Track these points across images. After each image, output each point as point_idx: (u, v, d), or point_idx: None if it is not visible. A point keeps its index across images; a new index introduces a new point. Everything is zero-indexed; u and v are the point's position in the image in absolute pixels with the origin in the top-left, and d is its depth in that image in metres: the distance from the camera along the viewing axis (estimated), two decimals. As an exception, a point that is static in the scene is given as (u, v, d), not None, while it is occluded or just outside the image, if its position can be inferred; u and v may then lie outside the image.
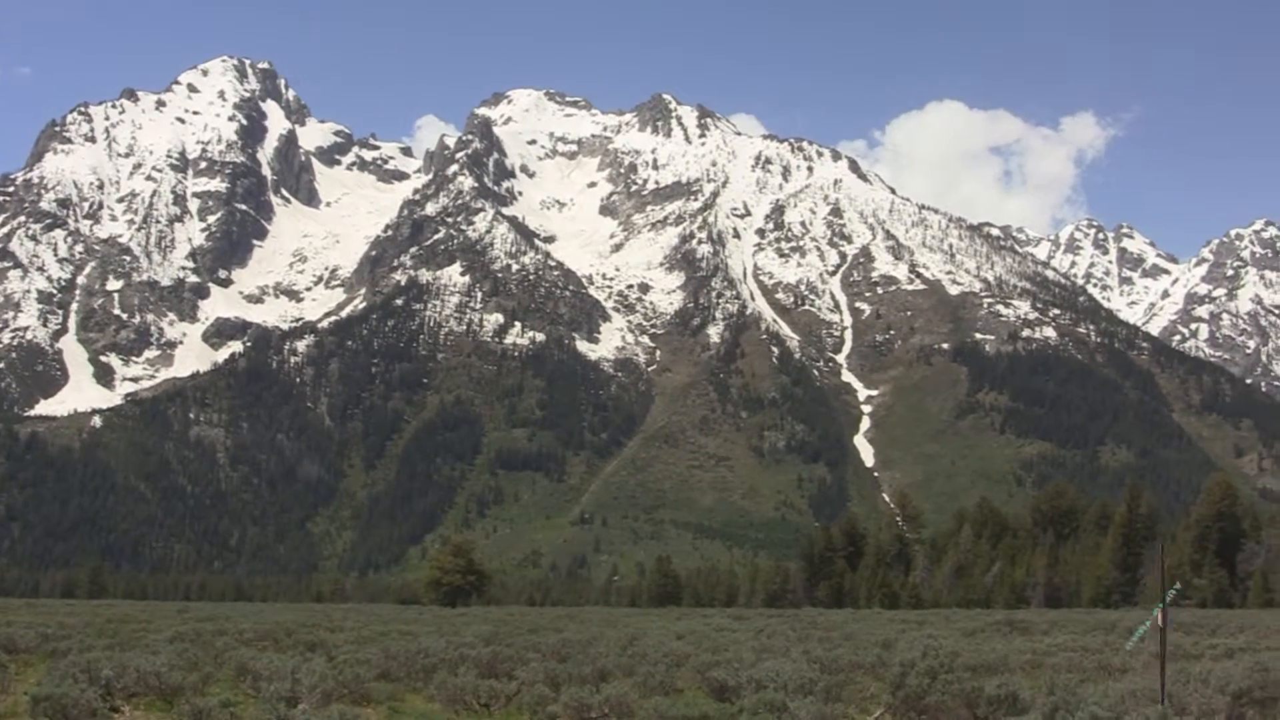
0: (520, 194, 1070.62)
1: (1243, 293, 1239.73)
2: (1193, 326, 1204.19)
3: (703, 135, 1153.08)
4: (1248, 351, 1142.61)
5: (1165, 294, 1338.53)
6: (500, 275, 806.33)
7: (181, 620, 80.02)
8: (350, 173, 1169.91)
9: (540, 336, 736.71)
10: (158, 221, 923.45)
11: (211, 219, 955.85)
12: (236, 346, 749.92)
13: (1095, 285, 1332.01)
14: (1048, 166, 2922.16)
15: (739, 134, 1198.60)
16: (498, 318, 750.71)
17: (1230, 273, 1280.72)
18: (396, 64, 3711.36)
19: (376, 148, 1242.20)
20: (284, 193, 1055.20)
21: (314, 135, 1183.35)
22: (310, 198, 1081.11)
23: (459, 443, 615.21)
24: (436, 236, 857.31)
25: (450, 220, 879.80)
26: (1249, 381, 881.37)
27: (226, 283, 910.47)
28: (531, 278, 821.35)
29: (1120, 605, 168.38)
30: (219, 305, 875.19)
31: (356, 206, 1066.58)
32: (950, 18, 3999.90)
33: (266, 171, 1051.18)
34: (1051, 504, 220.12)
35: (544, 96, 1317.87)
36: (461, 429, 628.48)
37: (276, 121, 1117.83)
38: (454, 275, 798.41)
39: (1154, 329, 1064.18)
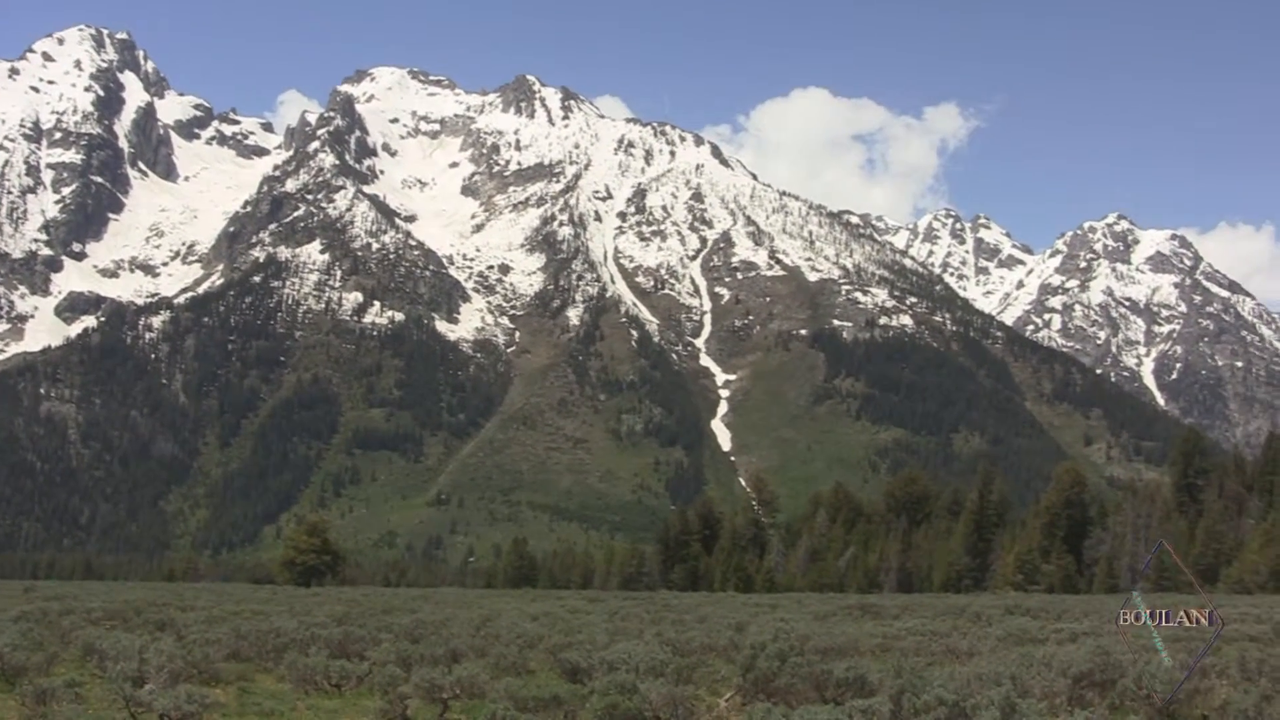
0: (382, 172, 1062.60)
1: (1095, 284, 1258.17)
2: (1046, 317, 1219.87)
3: (566, 117, 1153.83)
4: (1098, 342, 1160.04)
5: (1020, 284, 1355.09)
6: (360, 254, 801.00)
7: (27, 599, 78.82)
8: (210, 147, 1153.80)
9: (399, 316, 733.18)
10: (9, 192, 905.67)
11: (66, 191, 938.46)
12: (90, 321, 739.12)
13: (952, 274, 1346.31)
14: (910, 155, 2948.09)
15: (602, 117, 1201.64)
16: (357, 296, 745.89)
17: (1083, 265, 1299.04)
18: (259, 38, 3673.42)
19: (237, 122, 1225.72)
20: (141, 166, 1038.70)
21: (173, 108, 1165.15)
22: (168, 172, 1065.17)
23: (316, 422, 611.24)
24: (296, 214, 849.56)
25: (310, 197, 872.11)
26: (1099, 372, 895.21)
27: (80, 256, 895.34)
28: (391, 257, 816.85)
29: (971, 590, 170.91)
30: (72, 279, 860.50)
31: (215, 181, 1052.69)
32: (816, 5, 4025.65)
33: (123, 144, 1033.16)
34: (905, 490, 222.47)
35: (407, 75, 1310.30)
36: (318, 408, 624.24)
37: (134, 93, 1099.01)
38: (313, 253, 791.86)
39: (1008, 319, 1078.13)
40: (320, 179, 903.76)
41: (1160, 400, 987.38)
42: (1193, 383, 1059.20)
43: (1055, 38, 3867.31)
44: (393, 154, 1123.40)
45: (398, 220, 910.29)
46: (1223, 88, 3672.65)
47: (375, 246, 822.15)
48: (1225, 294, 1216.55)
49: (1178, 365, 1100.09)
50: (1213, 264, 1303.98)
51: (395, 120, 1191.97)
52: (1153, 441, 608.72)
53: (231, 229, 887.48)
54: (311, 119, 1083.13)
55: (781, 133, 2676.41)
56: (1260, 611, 67.89)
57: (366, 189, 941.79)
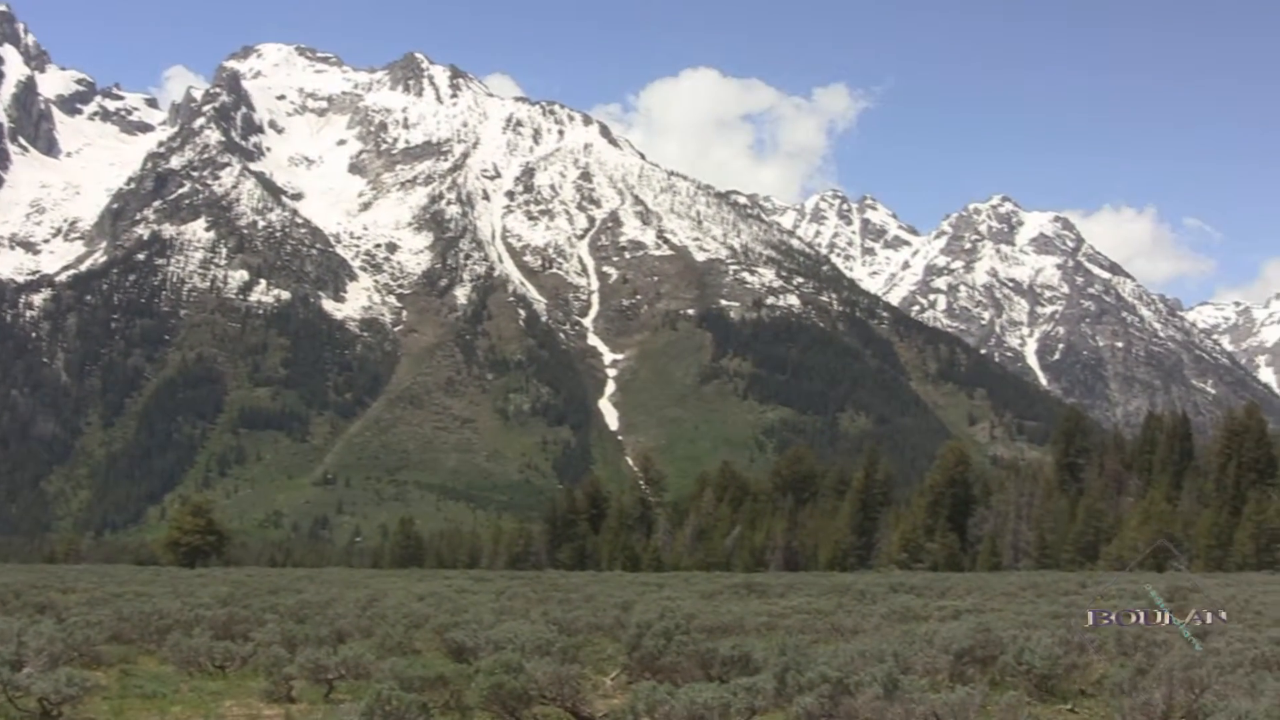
0: (268, 150, 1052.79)
1: (979, 265, 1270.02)
2: (931, 297, 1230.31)
3: (454, 95, 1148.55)
4: (982, 323, 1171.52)
5: (906, 265, 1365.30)
6: (246, 231, 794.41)
7: (-96, 580, 77.55)
8: (92, 123, 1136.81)
9: (285, 294, 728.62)
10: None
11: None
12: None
13: (839, 255, 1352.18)
14: (799, 136, 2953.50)
15: (491, 95, 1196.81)
16: (243, 274, 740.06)
17: (968, 246, 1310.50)
18: (144, 12, 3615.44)
19: (121, 98, 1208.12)
20: (21, 141, 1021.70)
21: (54, 83, 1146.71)
22: (50, 147, 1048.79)
23: (201, 401, 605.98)
24: (181, 190, 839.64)
25: (196, 174, 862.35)
26: (983, 352, 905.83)
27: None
28: (278, 235, 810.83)
29: (856, 568, 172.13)
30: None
31: (98, 158, 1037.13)
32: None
33: (3, 118, 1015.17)
34: (791, 469, 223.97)
35: (294, 51, 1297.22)
36: (203, 387, 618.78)
37: (14, 67, 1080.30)
38: (198, 230, 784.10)
39: (894, 299, 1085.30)
40: (206, 156, 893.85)
41: (1043, 380, 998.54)
42: (1074, 363, 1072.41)
43: (945, 20, 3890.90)
44: (279, 131, 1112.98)
45: (284, 198, 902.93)
46: (1109, 74, 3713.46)
47: (261, 224, 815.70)
48: (1106, 275, 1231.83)
49: (1060, 346, 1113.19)
50: (1095, 246, 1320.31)
51: (282, 97, 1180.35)
52: (1035, 421, 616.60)
53: (115, 206, 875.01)
54: (197, 95, 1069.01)
55: (671, 112, 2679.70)
56: (1137, 589, 68.97)
57: (253, 166, 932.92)
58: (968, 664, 30.79)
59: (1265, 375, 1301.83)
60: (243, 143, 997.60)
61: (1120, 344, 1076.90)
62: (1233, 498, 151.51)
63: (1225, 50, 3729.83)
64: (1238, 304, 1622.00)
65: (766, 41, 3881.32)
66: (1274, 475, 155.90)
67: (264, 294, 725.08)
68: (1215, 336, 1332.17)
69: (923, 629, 36.92)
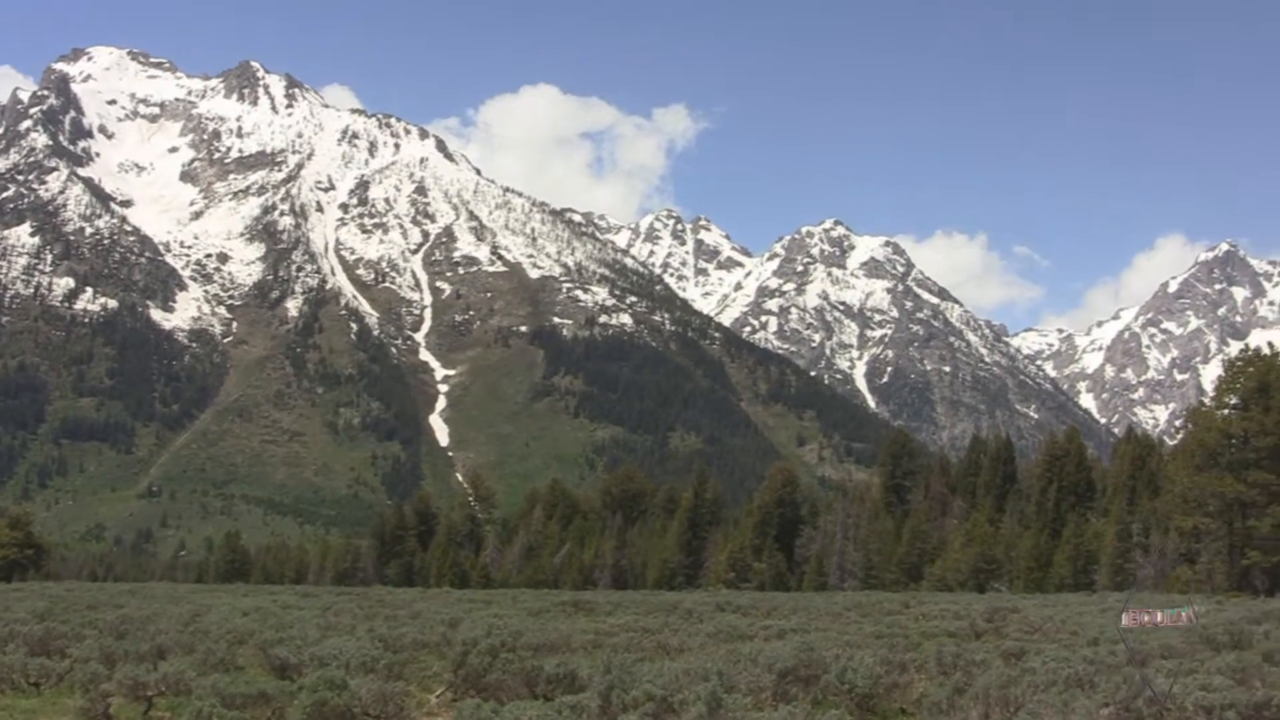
0: (98, 155, 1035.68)
1: (811, 288, 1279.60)
2: (762, 319, 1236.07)
3: (290, 106, 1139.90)
4: (813, 345, 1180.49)
5: (738, 286, 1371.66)
6: (73, 238, 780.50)
7: None
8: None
9: (113, 303, 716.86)
10: None
11: None
12: None
13: (672, 275, 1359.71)
14: (639, 155, 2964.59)
15: (327, 106, 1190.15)
16: (68, 282, 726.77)
17: (800, 268, 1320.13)
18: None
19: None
20: None
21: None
22: None
23: (21, 410, 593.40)
24: (5, 194, 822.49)
25: (21, 178, 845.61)
26: (813, 374, 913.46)
27: None
28: (106, 242, 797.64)
29: (684, 587, 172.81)
30: None
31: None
32: (549, 1, 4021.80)
33: None
34: (621, 487, 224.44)
35: (127, 55, 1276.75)
36: (25, 396, 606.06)
37: None
38: (23, 235, 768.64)
39: (726, 320, 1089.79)
40: (31, 159, 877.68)
41: (871, 402, 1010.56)
42: (902, 386, 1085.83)
43: (785, 44, 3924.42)
44: (110, 136, 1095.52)
45: (113, 205, 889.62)
46: (944, 102, 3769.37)
47: (89, 231, 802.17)
48: (935, 301, 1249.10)
49: (888, 369, 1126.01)
50: (925, 271, 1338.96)
51: (113, 102, 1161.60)
52: (863, 443, 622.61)
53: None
54: (24, 97, 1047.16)
55: (510, 128, 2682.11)
56: (959, 608, 70.09)
57: (81, 171, 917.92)
58: (791, 683, 31.09)
59: (1086, 401, 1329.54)
60: (71, 147, 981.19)
61: (947, 368, 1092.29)
62: (1053, 520, 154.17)
63: (1056, 84, 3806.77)
64: (1061, 331, 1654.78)
65: (608, 60, 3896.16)
66: (1092, 499, 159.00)
67: (90, 302, 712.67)
68: (1039, 362, 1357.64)
69: (748, 648, 37.22)
